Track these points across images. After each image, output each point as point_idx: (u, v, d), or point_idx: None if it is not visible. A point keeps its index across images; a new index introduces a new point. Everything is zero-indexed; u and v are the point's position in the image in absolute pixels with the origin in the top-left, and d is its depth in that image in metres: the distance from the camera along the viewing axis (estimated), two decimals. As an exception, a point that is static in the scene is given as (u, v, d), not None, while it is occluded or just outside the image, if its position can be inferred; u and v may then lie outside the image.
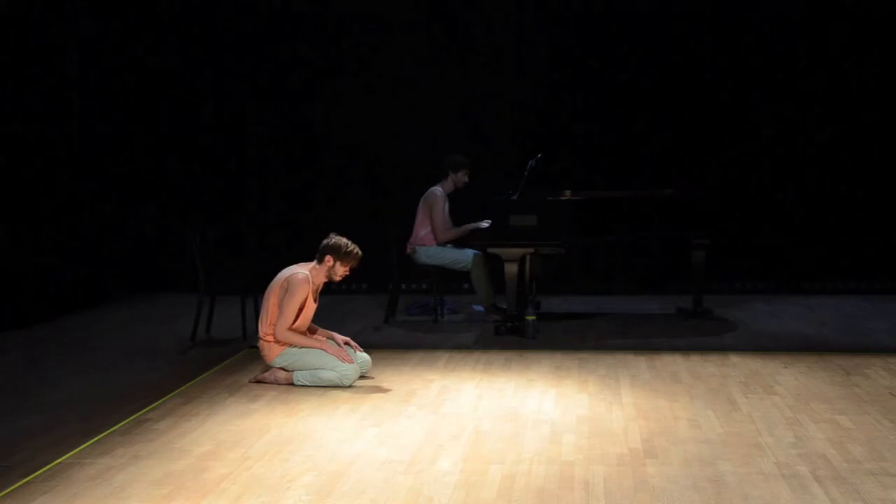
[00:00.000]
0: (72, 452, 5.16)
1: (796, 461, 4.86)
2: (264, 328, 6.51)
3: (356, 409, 5.90)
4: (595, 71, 9.93)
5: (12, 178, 8.73)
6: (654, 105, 9.86)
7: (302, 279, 6.42)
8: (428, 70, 10.06)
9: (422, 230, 8.61)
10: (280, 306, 6.41)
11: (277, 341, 6.44)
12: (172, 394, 6.32)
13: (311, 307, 6.55)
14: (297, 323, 6.46)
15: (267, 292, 6.53)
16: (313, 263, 6.54)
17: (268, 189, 10.29)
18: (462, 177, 8.61)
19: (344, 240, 6.49)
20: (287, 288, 6.41)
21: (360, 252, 6.51)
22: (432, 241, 8.60)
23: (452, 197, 8.71)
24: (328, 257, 6.47)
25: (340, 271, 6.50)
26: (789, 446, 5.09)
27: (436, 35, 10.09)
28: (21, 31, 8.90)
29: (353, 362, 6.44)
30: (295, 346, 6.44)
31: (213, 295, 8.13)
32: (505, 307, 8.24)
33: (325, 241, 6.51)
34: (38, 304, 8.90)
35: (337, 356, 6.41)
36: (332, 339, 6.61)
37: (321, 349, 6.43)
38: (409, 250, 8.69)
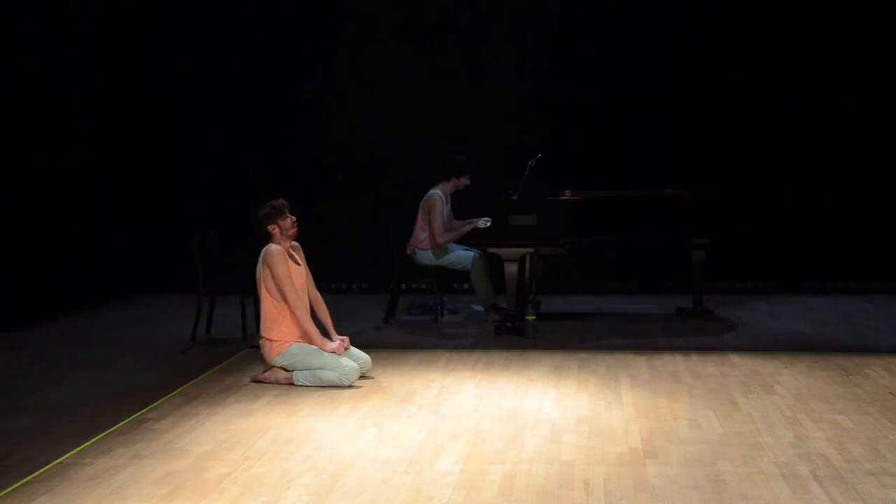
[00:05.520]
0: (72, 452, 5.17)
1: (796, 461, 4.86)
2: (266, 326, 6.52)
3: (356, 409, 5.90)
4: (595, 71, 9.93)
5: (11, 177, 8.73)
6: (655, 105, 9.86)
7: (273, 249, 6.50)
8: (429, 70, 10.06)
9: (421, 234, 8.60)
10: (277, 290, 6.43)
11: (295, 320, 6.45)
12: (172, 394, 6.33)
13: (298, 271, 6.59)
14: (298, 291, 6.49)
15: (258, 288, 6.57)
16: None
17: (268, 189, 10.27)
18: (464, 181, 8.60)
19: (267, 203, 6.56)
20: (267, 267, 6.46)
21: (283, 200, 6.59)
22: (432, 244, 8.58)
23: (452, 197, 8.70)
24: (269, 226, 6.54)
25: (287, 226, 6.56)
26: (789, 446, 5.09)
27: (437, 36, 10.10)
28: (19, 28, 8.92)
29: (342, 352, 6.47)
30: (301, 341, 6.46)
31: (213, 295, 8.14)
32: (505, 307, 8.25)
33: (257, 216, 6.56)
34: (37, 305, 8.90)
35: (334, 351, 6.43)
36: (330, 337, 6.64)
37: (320, 347, 6.44)
38: (408, 251, 8.69)
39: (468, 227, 8.40)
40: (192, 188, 10.38)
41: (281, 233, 6.55)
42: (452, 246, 8.65)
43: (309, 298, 6.68)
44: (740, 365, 6.88)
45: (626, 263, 10.02)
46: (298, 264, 6.64)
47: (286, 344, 6.47)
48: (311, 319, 6.52)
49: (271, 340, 6.49)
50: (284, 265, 6.45)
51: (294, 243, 6.71)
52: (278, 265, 6.43)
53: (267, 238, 6.58)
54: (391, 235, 8.62)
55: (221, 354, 7.47)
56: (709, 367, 6.84)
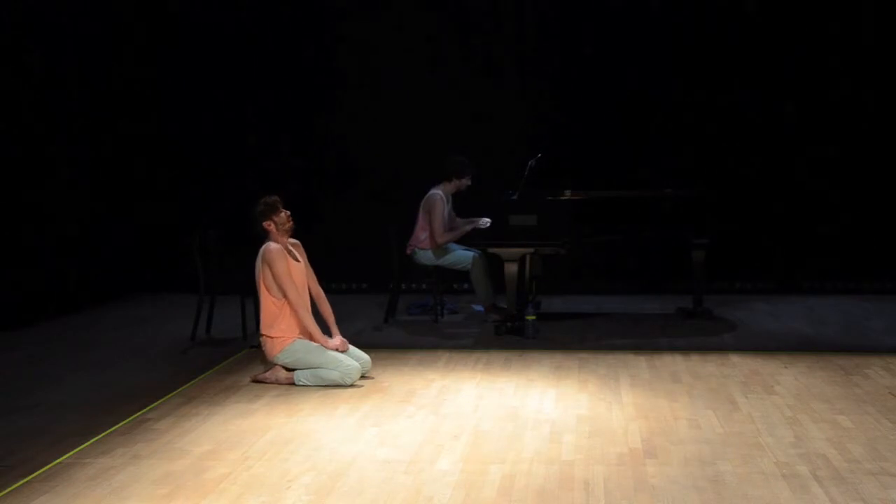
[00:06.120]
0: (72, 452, 5.17)
1: (796, 461, 4.86)
2: (266, 324, 6.52)
3: (356, 409, 5.90)
4: (596, 71, 9.93)
5: (11, 177, 8.73)
6: (655, 105, 9.86)
7: (272, 247, 6.50)
8: (429, 70, 10.06)
9: (422, 234, 8.60)
10: (278, 288, 6.42)
11: (297, 318, 6.46)
12: (172, 394, 6.33)
13: (298, 268, 6.59)
14: (298, 288, 6.48)
15: (257, 285, 6.56)
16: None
17: (269, 189, 10.27)
18: (465, 182, 8.60)
19: (261, 201, 6.59)
20: (267, 266, 6.45)
21: (276, 196, 6.63)
22: (432, 244, 8.58)
23: (453, 197, 8.70)
24: (265, 223, 6.55)
25: (282, 220, 6.57)
26: (789, 446, 5.09)
27: (437, 36, 10.10)
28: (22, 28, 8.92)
29: (344, 349, 6.48)
30: (303, 339, 6.47)
31: (213, 295, 8.14)
32: (505, 307, 8.25)
33: (252, 215, 6.57)
34: (38, 304, 8.90)
35: (336, 348, 6.45)
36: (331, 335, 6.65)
37: (322, 344, 6.45)
38: (408, 251, 8.69)
39: (468, 228, 8.40)
40: (192, 188, 10.37)
41: (277, 228, 6.55)
42: (452, 246, 8.65)
43: (312, 294, 6.69)
44: (740, 365, 6.88)
45: (627, 263, 10.02)
46: (298, 261, 6.65)
47: (288, 340, 6.47)
48: (312, 317, 6.53)
49: (272, 338, 6.49)
50: (284, 263, 6.45)
51: (294, 241, 6.72)
52: (278, 263, 6.43)
53: (264, 236, 6.58)
54: (391, 235, 8.62)
55: (221, 354, 7.47)
56: (709, 367, 6.84)
